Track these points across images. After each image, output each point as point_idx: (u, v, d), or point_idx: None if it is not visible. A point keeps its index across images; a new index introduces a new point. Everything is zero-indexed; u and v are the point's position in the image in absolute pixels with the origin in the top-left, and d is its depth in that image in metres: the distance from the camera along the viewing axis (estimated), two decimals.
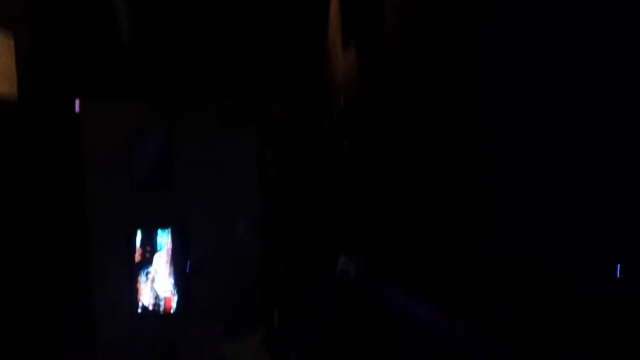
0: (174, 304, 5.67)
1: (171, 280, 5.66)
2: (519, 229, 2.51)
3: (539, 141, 2.35)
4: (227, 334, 5.19)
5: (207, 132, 5.67)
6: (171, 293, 5.67)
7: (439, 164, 3.28)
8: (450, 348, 3.17)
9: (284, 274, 5.39)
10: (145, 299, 5.62)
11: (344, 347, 4.16)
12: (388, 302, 3.71)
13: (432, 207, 3.42)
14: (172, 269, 5.69)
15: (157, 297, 5.65)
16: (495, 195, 2.71)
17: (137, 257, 5.62)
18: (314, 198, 5.23)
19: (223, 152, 5.69)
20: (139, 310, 5.61)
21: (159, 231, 5.66)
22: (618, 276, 1.90)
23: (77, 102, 5.32)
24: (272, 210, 5.56)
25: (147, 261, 5.64)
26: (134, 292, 5.62)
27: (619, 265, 1.89)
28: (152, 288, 5.64)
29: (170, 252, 5.68)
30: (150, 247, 5.65)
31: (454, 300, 3.20)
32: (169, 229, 5.67)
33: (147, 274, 5.65)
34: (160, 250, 5.65)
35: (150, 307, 5.63)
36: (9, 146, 4.62)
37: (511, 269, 2.55)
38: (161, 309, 5.67)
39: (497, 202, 2.70)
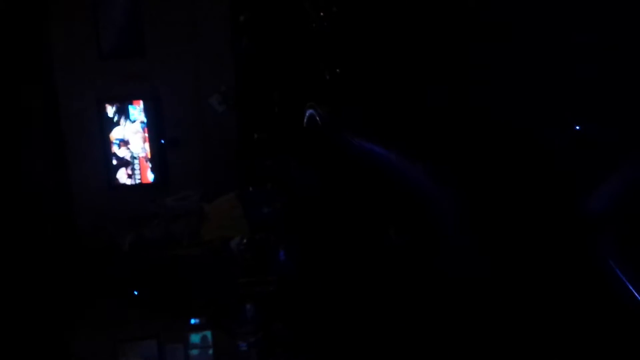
0: (150, 176, 5.55)
1: (146, 152, 5.52)
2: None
3: None
4: (203, 197, 5.08)
5: None
6: (147, 166, 5.54)
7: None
8: (410, 189, 3.00)
9: (258, 146, 5.19)
10: (121, 172, 5.52)
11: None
12: (352, 146, 3.55)
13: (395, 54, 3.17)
14: (146, 142, 5.54)
15: (133, 170, 5.53)
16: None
17: (111, 129, 5.48)
18: (285, 62, 4.95)
19: (195, 16, 5.41)
20: (116, 182, 5.52)
21: (130, 104, 5.48)
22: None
23: None
24: (246, 79, 5.31)
25: (121, 133, 5.49)
26: (109, 165, 5.51)
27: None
28: (128, 160, 5.53)
29: (143, 125, 5.51)
30: (123, 118, 5.49)
31: (414, 146, 3.01)
32: (141, 100, 5.48)
33: (121, 146, 5.52)
34: (133, 122, 5.48)
35: (127, 181, 5.53)
36: None
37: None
38: (137, 181, 5.56)
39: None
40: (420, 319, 2.71)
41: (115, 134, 5.46)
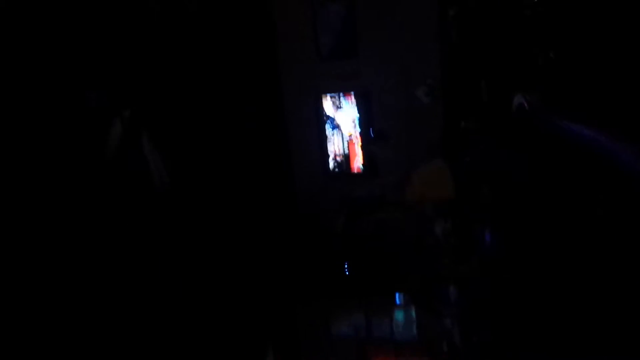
0: (360, 166, 5.97)
1: (357, 143, 5.96)
2: None
3: None
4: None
5: None
6: (357, 155, 5.98)
7: None
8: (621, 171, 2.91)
9: (464, 135, 5.29)
10: (334, 160, 6.03)
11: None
12: (565, 132, 3.48)
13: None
14: (357, 134, 5.98)
15: (344, 159, 6.01)
16: None
17: (326, 122, 6.02)
18: (494, 50, 4.98)
19: (404, 14, 5.71)
20: (330, 169, 6.05)
21: (344, 98, 5.96)
22: None
23: None
24: (452, 69, 5.45)
25: (334, 126, 6.01)
26: (324, 153, 6.06)
27: None
28: (340, 151, 6.02)
29: (354, 117, 5.96)
30: (337, 113, 6.00)
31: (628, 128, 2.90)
32: (353, 95, 5.93)
33: (335, 138, 6.03)
34: (346, 116, 5.96)
35: (338, 168, 6.03)
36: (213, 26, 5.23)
37: None
38: (348, 170, 6.03)
39: None
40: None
41: (330, 127, 5.98)
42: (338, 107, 5.96)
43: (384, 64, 5.83)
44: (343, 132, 5.99)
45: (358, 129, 5.94)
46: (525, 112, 4.24)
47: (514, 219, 4.21)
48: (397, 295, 4.85)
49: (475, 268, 4.41)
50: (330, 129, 6.00)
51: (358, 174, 5.92)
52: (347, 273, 5.58)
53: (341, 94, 5.91)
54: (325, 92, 5.92)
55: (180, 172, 4.48)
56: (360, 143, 5.96)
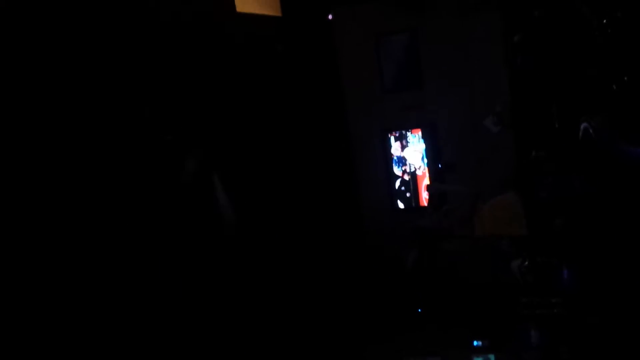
0: (427, 199, 5.82)
1: (425, 177, 5.83)
2: None
3: None
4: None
5: (451, 27, 5.63)
6: (425, 189, 5.85)
7: None
8: None
9: (536, 164, 5.05)
10: (402, 195, 5.93)
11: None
12: (630, 155, 3.26)
13: None
14: (424, 167, 5.86)
15: (413, 193, 5.89)
16: None
17: (392, 155, 5.94)
18: (563, 75, 4.75)
19: (469, 42, 5.59)
20: (397, 205, 5.94)
21: (409, 132, 5.87)
22: None
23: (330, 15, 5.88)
24: (522, 96, 5.25)
25: (401, 160, 5.92)
26: (391, 189, 5.97)
27: None
28: (408, 184, 5.91)
29: (421, 151, 5.84)
30: (403, 146, 5.91)
31: None
32: (420, 128, 5.83)
33: (402, 172, 5.93)
34: (413, 149, 5.86)
35: (407, 203, 5.91)
36: (274, 59, 5.35)
37: None
38: (416, 204, 5.89)
39: None
40: None
41: (397, 161, 5.89)
42: (404, 142, 5.87)
43: (450, 94, 5.70)
44: (410, 165, 5.88)
45: (425, 163, 5.81)
46: (591, 137, 4.02)
47: (591, 252, 3.94)
48: (474, 341, 4.61)
49: (557, 308, 4.16)
50: (397, 164, 5.91)
51: (425, 208, 5.75)
52: (420, 310, 5.39)
53: (407, 130, 5.82)
54: (391, 129, 5.85)
55: (249, 212, 4.55)
56: (427, 176, 5.82)
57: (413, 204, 5.84)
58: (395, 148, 5.83)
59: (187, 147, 4.00)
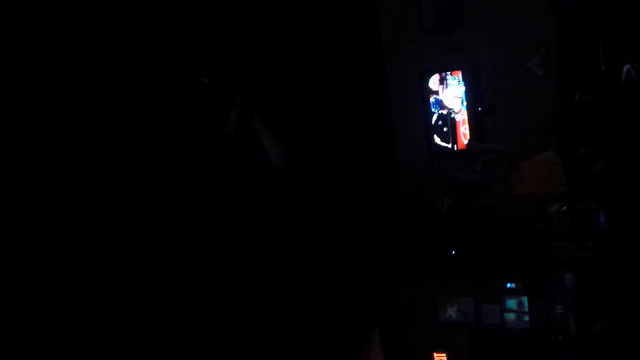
0: (466, 143, 5.74)
1: (464, 120, 5.73)
2: None
3: None
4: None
5: None
6: (464, 133, 5.76)
7: None
8: None
9: (580, 107, 4.90)
10: (439, 138, 5.86)
11: None
12: None
13: None
14: (464, 110, 5.75)
15: (451, 137, 5.82)
16: None
17: (431, 99, 5.84)
18: (613, 14, 4.52)
19: None
20: (435, 148, 5.88)
21: (449, 74, 5.74)
22: None
23: None
24: (568, 37, 5.04)
25: (440, 103, 5.82)
26: (429, 132, 5.91)
27: None
28: (447, 128, 5.83)
29: (461, 94, 5.73)
30: (443, 89, 5.80)
31: None
32: (460, 70, 5.69)
33: (441, 115, 5.85)
34: (452, 92, 5.75)
35: (444, 146, 5.85)
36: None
37: None
38: (454, 147, 5.82)
39: None
40: None
41: (436, 104, 5.80)
42: (444, 84, 5.75)
43: (492, 34, 5.52)
44: (449, 109, 5.78)
45: (464, 106, 5.70)
46: (633, 79, 3.87)
47: (630, 197, 3.86)
48: (507, 283, 4.65)
49: (592, 252, 4.14)
50: (436, 107, 5.82)
51: (464, 151, 5.67)
52: (453, 253, 5.43)
53: (447, 72, 5.68)
54: (431, 71, 5.73)
55: (291, 152, 4.59)
56: (467, 120, 5.72)
57: (450, 145, 5.76)
58: (434, 90, 5.72)
59: (227, 95, 4.01)
